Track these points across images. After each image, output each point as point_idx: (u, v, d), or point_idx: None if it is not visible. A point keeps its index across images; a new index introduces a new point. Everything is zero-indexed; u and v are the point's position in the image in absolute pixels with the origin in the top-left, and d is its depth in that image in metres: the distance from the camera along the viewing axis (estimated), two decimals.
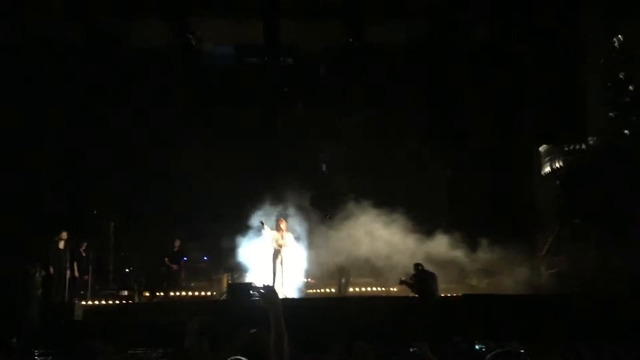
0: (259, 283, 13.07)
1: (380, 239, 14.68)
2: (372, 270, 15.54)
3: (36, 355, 9.16)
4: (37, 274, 11.97)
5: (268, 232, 13.42)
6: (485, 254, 14.97)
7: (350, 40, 17.16)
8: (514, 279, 14.49)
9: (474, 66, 18.24)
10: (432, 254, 14.16)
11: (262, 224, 13.41)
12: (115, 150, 17.52)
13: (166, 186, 17.05)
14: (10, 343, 10.23)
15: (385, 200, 15.55)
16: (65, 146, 17.47)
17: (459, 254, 14.77)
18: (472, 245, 15.10)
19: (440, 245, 14.75)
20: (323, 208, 16.13)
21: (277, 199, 14.95)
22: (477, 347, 7.21)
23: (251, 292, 10.23)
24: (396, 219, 15.00)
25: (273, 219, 14.08)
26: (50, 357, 8.89)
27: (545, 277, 16.02)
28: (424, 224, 15.26)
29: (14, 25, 15.79)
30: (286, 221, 13.84)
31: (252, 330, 4.19)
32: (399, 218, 15.02)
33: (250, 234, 14.29)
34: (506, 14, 16.85)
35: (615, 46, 16.35)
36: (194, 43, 16.96)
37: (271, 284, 12.75)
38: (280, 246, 13.34)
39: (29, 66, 16.57)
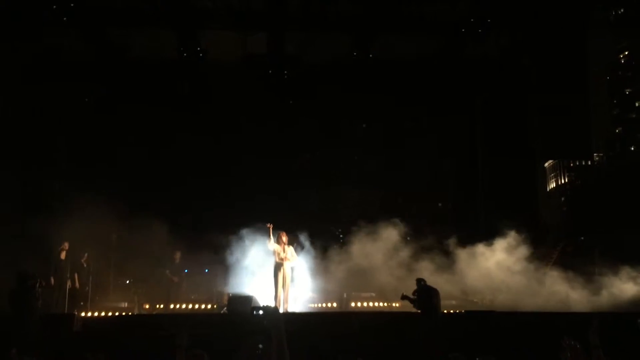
0: (259, 297, 12.95)
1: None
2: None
3: None
4: (37, 285, 11.86)
5: (272, 240, 13.23)
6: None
7: (357, 53, 17.04)
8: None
9: (481, 82, 18.25)
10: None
11: (270, 226, 13.22)
12: (115, 160, 17.53)
13: (167, 197, 16.98)
14: (9, 354, 10.11)
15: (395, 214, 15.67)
16: (69, 155, 17.51)
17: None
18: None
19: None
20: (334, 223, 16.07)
21: (282, 211, 14.85)
22: None
23: (254, 312, 10.16)
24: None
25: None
26: None
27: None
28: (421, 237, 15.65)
29: (26, 35, 15.78)
30: (287, 234, 13.71)
31: (260, 346, 4.21)
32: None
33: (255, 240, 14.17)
34: (513, 31, 16.81)
35: (621, 63, 16.37)
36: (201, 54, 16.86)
37: (273, 302, 12.71)
38: (282, 260, 13.22)
39: (39, 74, 16.66)
